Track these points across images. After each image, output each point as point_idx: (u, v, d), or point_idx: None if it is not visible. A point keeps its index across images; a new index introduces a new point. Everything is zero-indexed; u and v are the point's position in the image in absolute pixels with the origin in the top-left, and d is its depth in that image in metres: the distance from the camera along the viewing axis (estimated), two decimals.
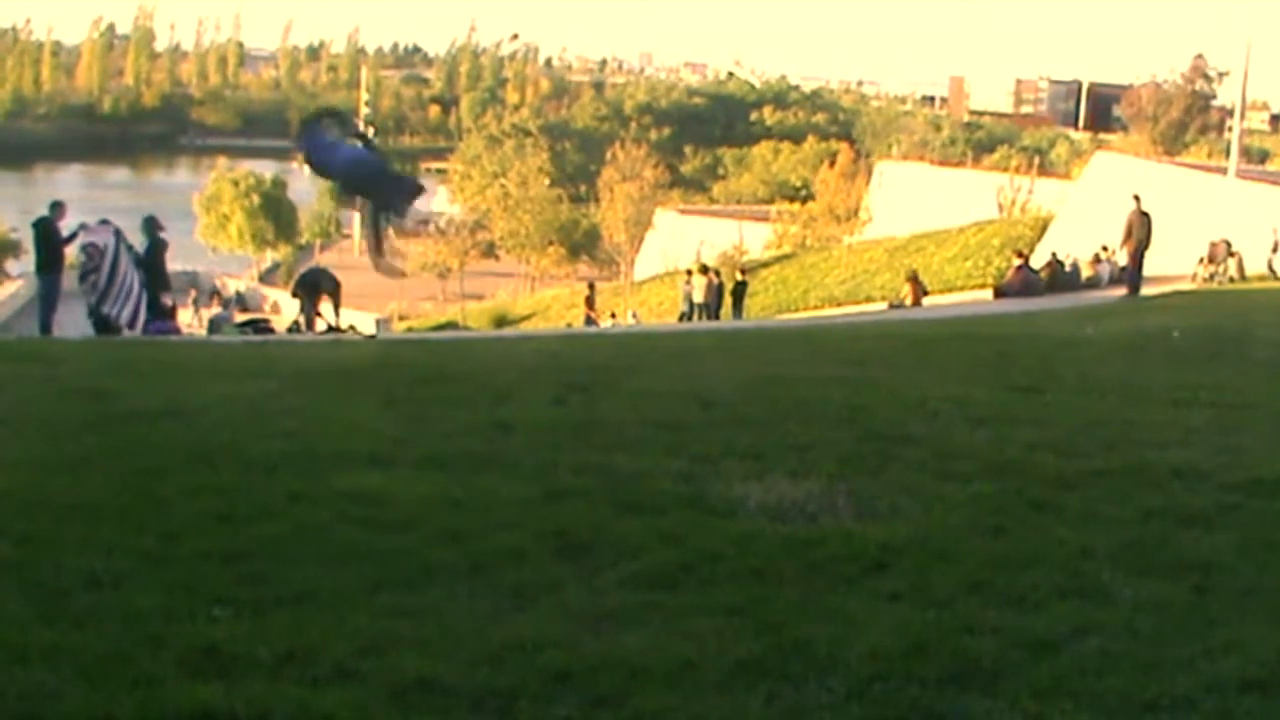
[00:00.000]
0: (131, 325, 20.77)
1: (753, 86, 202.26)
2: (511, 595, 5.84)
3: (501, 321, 63.33)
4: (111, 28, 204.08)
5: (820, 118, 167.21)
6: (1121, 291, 31.09)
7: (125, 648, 5.04)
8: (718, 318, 37.75)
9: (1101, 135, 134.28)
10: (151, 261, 21.75)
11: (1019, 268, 35.73)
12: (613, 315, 51.90)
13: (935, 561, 6.38)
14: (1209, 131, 74.61)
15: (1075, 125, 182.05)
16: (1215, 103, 54.46)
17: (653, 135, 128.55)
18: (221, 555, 6.22)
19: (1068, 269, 35.69)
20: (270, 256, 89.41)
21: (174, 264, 70.65)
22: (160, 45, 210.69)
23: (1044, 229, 53.60)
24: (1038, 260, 38.84)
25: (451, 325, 59.76)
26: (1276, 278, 34.22)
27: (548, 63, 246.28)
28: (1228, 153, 45.96)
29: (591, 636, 5.34)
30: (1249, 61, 46.09)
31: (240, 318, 55.03)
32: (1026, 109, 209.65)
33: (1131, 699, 4.85)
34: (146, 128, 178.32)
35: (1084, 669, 5.09)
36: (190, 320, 54.24)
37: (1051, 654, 5.24)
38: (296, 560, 6.20)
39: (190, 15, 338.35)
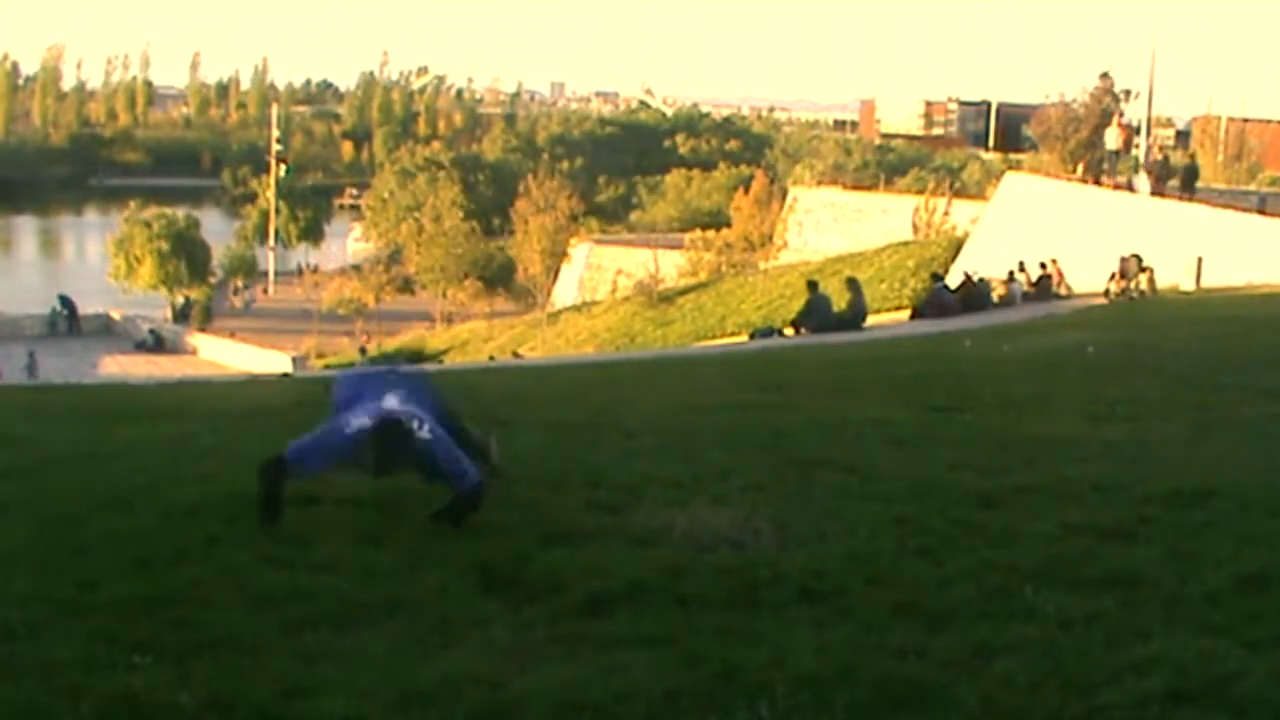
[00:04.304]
0: None
1: (664, 115, 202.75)
2: (437, 632, 5.79)
3: (418, 356, 63.04)
4: (16, 67, 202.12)
5: (733, 144, 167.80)
6: (1034, 309, 31.44)
7: (43, 700, 4.95)
8: None
9: (1012, 155, 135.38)
10: None
11: (934, 288, 35.96)
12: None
13: (861, 585, 6.38)
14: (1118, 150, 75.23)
15: (986, 146, 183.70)
16: (1123, 120, 55.05)
17: (565, 166, 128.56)
18: (141, 601, 6.12)
19: (980, 287, 35.95)
20: (183, 296, 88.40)
21: (85, 307, 70.09)
22: (67, 84, 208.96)
23: (958, 250, 54.05)
24: (952, 281, 39.11)
25: (371, 362, 59.41)
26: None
27: (459, 95, 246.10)
28: (1136, 170, 46.49)
29: (519, 672, 5.30)
30: (1153, 79, 46.77)
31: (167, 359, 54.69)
32: (937, 131, 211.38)
33: (1061, 716, 4.86)
34: (55, 170, 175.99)
35: (1012, 686, 5.09)
36: None
37: (979, 673, 5.24)
38: (218, 604, 6.11)
39: (98, 53, 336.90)
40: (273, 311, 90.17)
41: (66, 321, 72.01)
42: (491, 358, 51.59)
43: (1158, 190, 43.39)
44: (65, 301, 73.64)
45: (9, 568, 6.70)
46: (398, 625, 5.88)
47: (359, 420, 7.76)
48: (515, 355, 53.65)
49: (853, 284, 33.53)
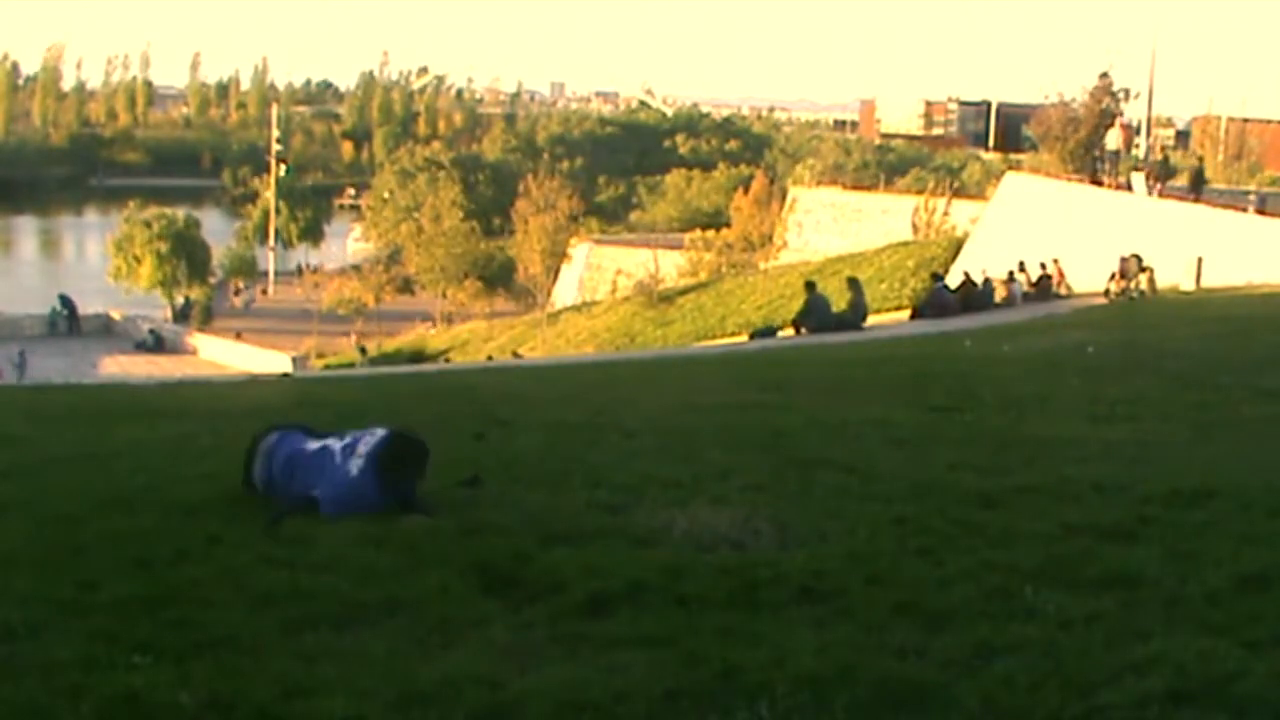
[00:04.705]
0: None
1: (664, 115, 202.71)
2: (437, 633, 5.78)
3: (419, 356, 63.05)
4: (16, 67, 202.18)
5: (733, 145, 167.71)
6: (1034, 309, 31.52)
7: (43, 700, 4.94)
8: None
9: (1012, 155, 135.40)
10: None
11: (934, 288, 35.97)
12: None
13: (862, 585, 6.38)
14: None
15: (986, 146, 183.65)
16: (1122, 120, 55.11)
17: (565, 166, 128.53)
18: (142, 601, 6.11)
19: (980, 288, 35.97)
20: (182, 296, 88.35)
21: (86, 307, 70.01)
22: (67, 84, 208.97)
23: (958, 249, 54.09)
24: (952, 281, 39.12)
25: (367, 361, 59.41)
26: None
27: (459, 95, 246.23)
28: (1135, 170, 46.56)
29: (519, 672, 5.29)
30: (1153, 79, 46.74)
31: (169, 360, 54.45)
32: (937, 131, 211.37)
33: (1061, 716, 4.86)
34: (55, 170, 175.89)
35: (1012, 687, 5.09)
36: None
37: (979, 673, 5.24)
38: (218, 604, 6.11)
39: (98, 53, 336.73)
40: (273, 312, 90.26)
41: (67, 321, 71.97)
42: (490, 358, 51.61)
43: (1154, 190, 43.41)
44: (65, 301, 73.60)
45: (9, 568, 6.70)
46: (398, 625, 5.87)
47: (357, 457, 7.92)
48: (515, 355, 53.70)
49: (853, 284, 33.59)
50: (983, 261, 42.30)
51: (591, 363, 29.51)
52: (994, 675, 5.20)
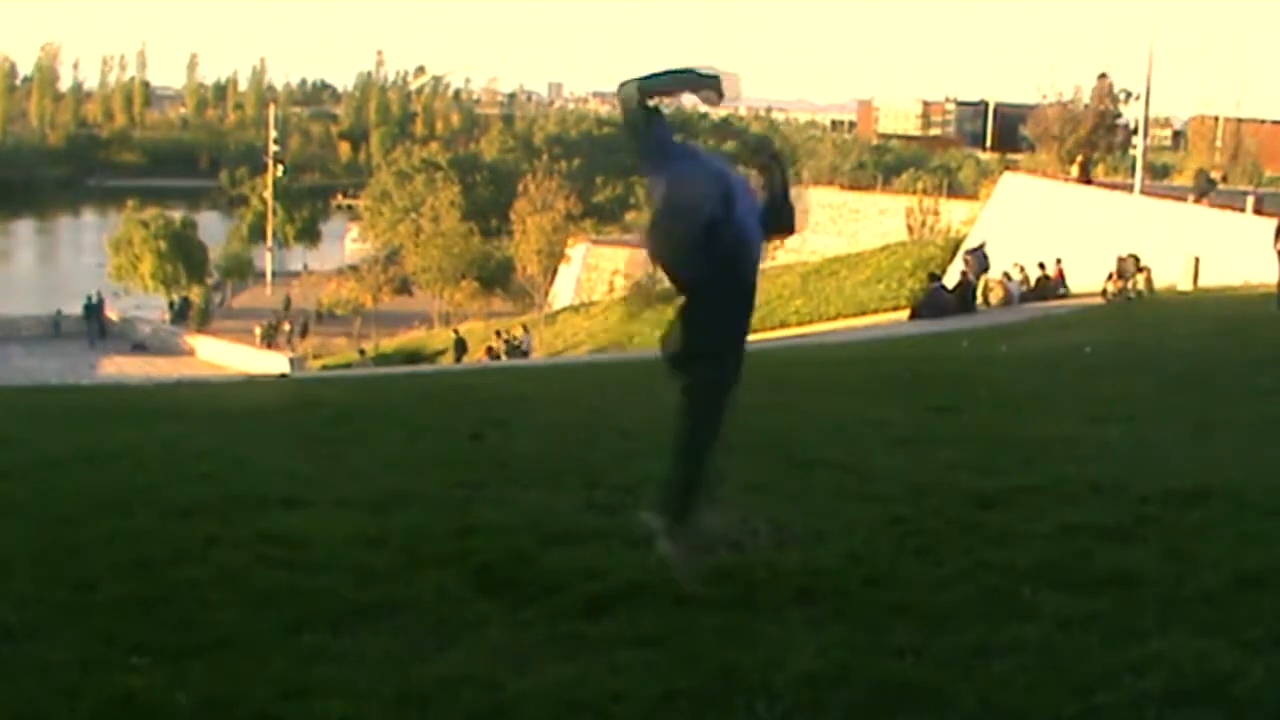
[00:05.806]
0: None
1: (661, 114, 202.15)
2: (434, 633, 5.78)
3: (416, 357, 62.96)
4: (13, 68, 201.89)
5: (730, 145, 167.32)
6: (1032, 310, 31.55)
7: (40, 701, 4.94)
8: None
9: (1009, 155, 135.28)
10: None
11: (932, 288, 35.98)
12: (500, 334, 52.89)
13: (859, 585, 6.38)
14: (1114, 150, 75.53)
15: (983, 146, 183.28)
16: (1120, 121, 55.37)
17: (563, 166, 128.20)
18: (139, 602, 6.11)
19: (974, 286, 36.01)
20: (179, 296, 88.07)
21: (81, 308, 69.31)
22: (64, 85, 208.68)
23: (955, 249, 54.03)
24: (950, 280, 39.11)
25: (369, 361, 59.35)
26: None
27: (456, 95, 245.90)
28: (1133, 169, 46.55)
29: (515, 672, 5.29)
30: (1150, 79, 46.72)
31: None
32: (934, 131, 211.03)
33: (1059, 716, 4.86)
34: (52, 170, 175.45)
35: (1010, 687, 5.09)
36: None
37: (977, 673, 5.24)
38: (215, 605, 6.10)
39: (94, 54, 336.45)
40: (270, 312, 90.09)
41: (94, 324, 70.13)
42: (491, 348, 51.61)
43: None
44: (90, 304, 71.68)
45: (7, 569, 6.69)
46: (395, 626, 5.87)
47: None
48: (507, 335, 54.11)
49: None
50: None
51: (589, 363, 29.48)
52: (992, 675, 5.21)
